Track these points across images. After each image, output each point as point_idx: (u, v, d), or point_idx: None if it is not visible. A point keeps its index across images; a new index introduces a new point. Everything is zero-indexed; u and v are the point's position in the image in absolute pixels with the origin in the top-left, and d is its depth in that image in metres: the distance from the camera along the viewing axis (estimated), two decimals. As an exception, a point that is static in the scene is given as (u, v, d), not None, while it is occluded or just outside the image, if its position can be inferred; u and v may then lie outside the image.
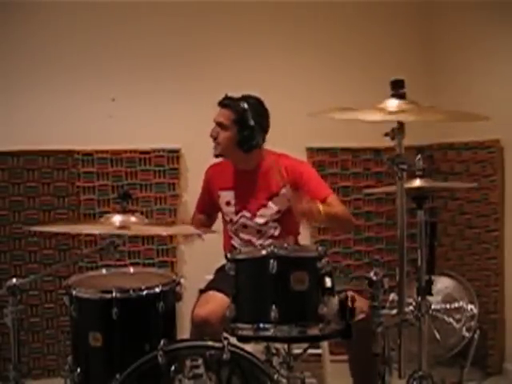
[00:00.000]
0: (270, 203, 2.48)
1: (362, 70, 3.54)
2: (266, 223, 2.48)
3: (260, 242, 2.48)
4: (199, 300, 2.31)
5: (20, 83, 3.22)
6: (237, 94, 2.48)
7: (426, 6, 3.66)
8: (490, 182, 3.14)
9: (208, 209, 2.67)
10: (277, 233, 2.49)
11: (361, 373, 2.28)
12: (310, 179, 2.47)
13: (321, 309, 1.70)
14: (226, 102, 2.45)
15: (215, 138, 2.46)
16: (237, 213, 2.51)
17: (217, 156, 2.51)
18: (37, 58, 3.23)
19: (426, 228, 2.01)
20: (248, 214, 2.49)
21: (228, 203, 2.52)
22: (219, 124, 2.45)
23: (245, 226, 2.51)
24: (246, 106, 2.41)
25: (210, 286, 2.37)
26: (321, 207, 2.24)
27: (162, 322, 1.89)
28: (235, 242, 2.55)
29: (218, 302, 2.15)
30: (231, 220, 2.53)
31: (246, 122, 2.40)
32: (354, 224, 2.75)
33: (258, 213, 2.48)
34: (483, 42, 3.19)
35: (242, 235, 2.52)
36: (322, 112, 1.91)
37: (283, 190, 2.44)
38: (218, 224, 2.67)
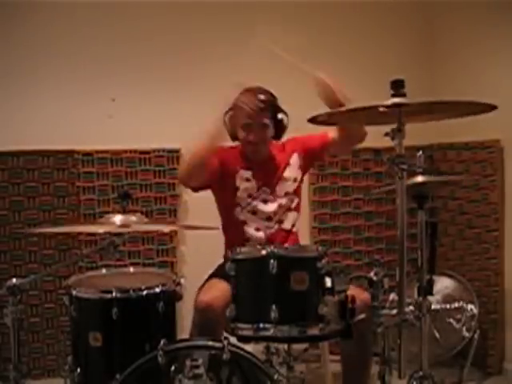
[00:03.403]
0: (286, 173, 2.54)
1: (363, 69, 3.54)
2: (285, 194, 2.53)
3: (278, 217, 2.50)
4: (203, 287, 2.32)
5: (20, 83, 3.22)
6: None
7: (425, 6, 3.66)
8: (490, 181, 3.14)
9: (214, 178, 2.50)
10: (294, 205, 2.55)
11: (353, 372, 2.28)
12: (305, 136, 2.58)
13: (321, 309, 1.70)
14: (263, 103, 2.42)
15: (250, 140, 2.46)
16: (258, 188, 2.51)
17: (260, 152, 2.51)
18: (37, 57, 3.23)
19: (426, 228, 2.01)
20: (268, 190, 2.51)
21: (248, 179, 2.51)
22: (263, 125, 2.45)
23: (265, 201, 2.51)
24: (263, 97, 2.44)
25: (214, 275, 2.37)
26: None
27: (162, 322, 1.89)
28: (249, 227, 2.48)
29: (221, 288, 2.14)
30: (250, 195, 2.50)
31: (277, 113, 2.50)
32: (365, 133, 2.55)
33: (277, 187, 2.52)
34: (483, 42, 3.19)
35: (260, 210, 2.50)
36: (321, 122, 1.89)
37: (292, 158, 2.56)
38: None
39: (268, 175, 2.54)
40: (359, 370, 2.22)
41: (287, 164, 2.56)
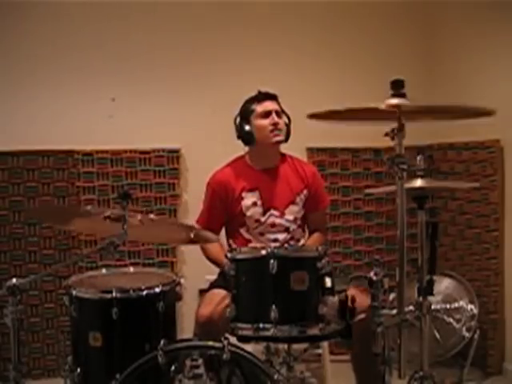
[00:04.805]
0: (298, 199, 2.51)
1: (363, 69, 3.54)
2: (294, 220, 2.50)
3: (285, 237, 2.47)
4: (204, 298, 2.30)
5: (20, 83, 3.22)
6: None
7: (426, 6, 3.66)
8: (490, 181, 3.14)
9: (224, 221, 2.52)
10: (300, 231, 2.54)
11: (363, 372, 2.27)
12: (323, 190, 2.68)
13: (321, 309, 1.70)
14: (274, 95, 2.53)
15: (278, 124, 2.47)
16: (264, 213, 2.47)
17: (280, 142, 2.49)
18: (37, 57, 3.23)
19: (427, 228, 2.01)
20: (276, 213, 2.48)
21: (254, 204, 2.47)
22: (277, 112, 2.49)
23: (273, 225, 2.48)
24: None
25: (215, 284, 2.35)
26: None
27: (162, 322, 1.89)
28: (254, 244, 2.47)
29: (222, 300, 2.13)
30: (257, 221, 2.47)
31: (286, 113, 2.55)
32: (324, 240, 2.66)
33: (287, 210, 2.49)
34: (483, 42, 3.19)
35: (268, 235, 2.47)
36: (321, 116, 1.89)
37: (304, 191, 2.53)
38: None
39: (276, 196, 2.49)
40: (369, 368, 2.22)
41: (299, 192, 2.52)
